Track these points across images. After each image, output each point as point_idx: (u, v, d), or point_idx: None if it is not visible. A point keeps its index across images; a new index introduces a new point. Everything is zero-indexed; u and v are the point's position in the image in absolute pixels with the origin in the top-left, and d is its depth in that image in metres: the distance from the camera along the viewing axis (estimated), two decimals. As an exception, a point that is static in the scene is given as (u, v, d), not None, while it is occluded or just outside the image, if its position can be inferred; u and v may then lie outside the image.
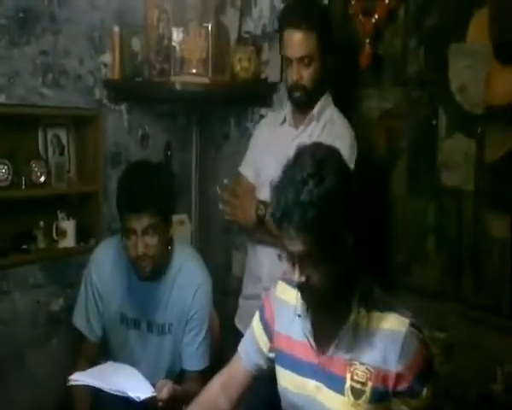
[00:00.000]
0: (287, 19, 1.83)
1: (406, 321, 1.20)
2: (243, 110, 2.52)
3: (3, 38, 2.14)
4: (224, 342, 2.27)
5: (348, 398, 1.21)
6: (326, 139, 1.78)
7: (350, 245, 1.18)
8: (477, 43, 1.79)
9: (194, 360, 1.91)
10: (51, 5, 2.25)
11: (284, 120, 1.93)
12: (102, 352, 1.96)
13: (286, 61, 1.85)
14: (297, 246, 1.14)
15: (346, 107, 1.97)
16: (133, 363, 1.81)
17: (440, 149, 1.89)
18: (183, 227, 2.64)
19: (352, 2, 2.01)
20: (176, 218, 2.60)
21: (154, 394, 1.64)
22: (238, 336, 1.57)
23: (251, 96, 2.45)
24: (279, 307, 1.36)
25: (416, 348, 1.18)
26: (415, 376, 1.17)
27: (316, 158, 1.16)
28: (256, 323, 1.42)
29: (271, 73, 2.36)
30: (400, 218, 1.99)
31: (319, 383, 1.25)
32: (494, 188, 1.79)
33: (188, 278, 1.88)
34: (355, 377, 1.20)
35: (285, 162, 1.21)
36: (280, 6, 2.31)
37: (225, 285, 2.63)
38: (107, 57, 2.40)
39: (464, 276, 1.88)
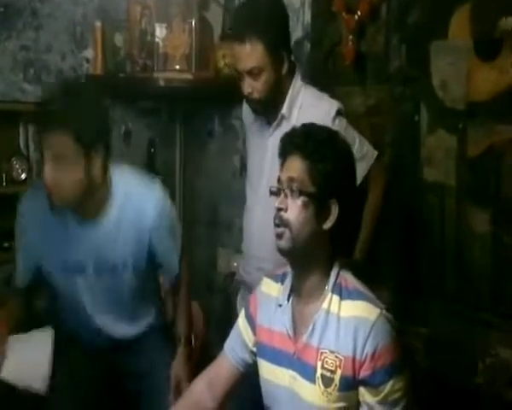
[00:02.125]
0: (232, 31, 1.74)
1: (377, 310, 1.22)
2: (227, 107, 2.53)
3: (-17, 33, 2.13)
4: (209, 340, 2.28)
5: (319, 386, 1.23)
6: None
7: (331, 213, 1.25)
8: (458, 41, 1.81)
9: (169, 270, 1.82)
10: (32, 0, 2.24)
11: (256, 118, 1.84)
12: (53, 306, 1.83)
13: (236, 72, 1.73)
14: (289, 171, 1.27)
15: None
16: (86, 313, 1.71)
17: (423, 145, 1.92)
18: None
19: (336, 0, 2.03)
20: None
21: None
22: None
23: (235, 93, 2.45)
24: (262, 300, 1.40)
25: (382, 337, 1.20)
26: (379, 364, 1.19)
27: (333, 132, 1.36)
28: (241, 319, 1.45)
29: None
30: (384, 213, 2.01)
31: (294, 373, 1.28)
32: (475, 183, 1.82)
33: (136, 208, 1.66)
34: (325, 366, 1.22)
35: None
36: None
37: (211, 282, 2.64)
38: (89, 53, 2.40)
39: (446, 271, 1.91)
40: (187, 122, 2.72)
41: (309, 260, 1.28)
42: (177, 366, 1.75)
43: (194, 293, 2.31)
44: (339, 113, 1.71)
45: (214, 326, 2.46)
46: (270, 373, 1.34)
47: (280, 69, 1.68)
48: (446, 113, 1.85)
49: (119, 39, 2.38)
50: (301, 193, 1.23)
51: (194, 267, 2.68)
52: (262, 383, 1.38)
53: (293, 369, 1.29)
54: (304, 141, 1.26)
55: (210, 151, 2.64)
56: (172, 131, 2.73)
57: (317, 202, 1.24)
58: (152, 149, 2.64)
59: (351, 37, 1.99)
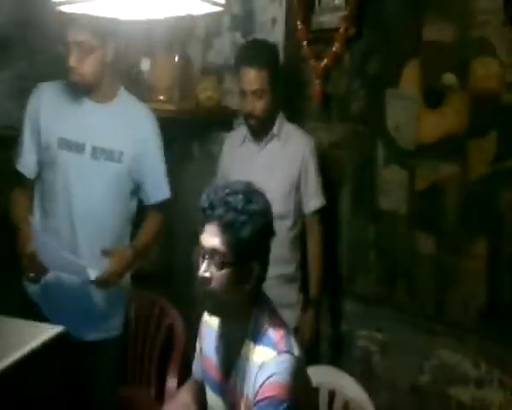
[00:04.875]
0: (242, 58, 2.11)
1: (273, 353, 1.25)
2: (206, 133, 2.73)
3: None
4: (190, 346, 2.47)
5: None
6: (288, 155, 2.10)
7: (254, 272, 1.28)
8: (409, 89, 2.09)
9: (157, 190, 1.97)
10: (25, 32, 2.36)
11: (244, 140, 2.19)
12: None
13: (241, 93, 2.12)
14: (210, 241, 1.25)
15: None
16: (69, 192, 1.83)
17: (379, 177, 2.19)
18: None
19: (305, 47, 2.28)
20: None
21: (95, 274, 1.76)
22: None
23: (213, 121, 2.68)
24: (206, 330, 1.45)
25: (272, 374, 1.22)
26: (263, 396, 1.22)
27: (250, 188, 1.31)
28: (198, 341, 1.51)
29: (232, 101, 2.61)
30: (346, 235, 2.29)
31: (226, 406, 1.35)
32: (422, 212, 2.11)
33: (134, 109, 1.94)
34: (246, 407, 1.28)
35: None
36: (240, 40, 2.56)
37: (191, 293, 2.84)
38: None
39: (398, 285, 2.20)
40: (167, 147, 2.91)
41: (232, 314, 1.32)
42: (117, 248, 1.85)
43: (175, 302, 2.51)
44: (314, 147, 2.13)
45: (193, 335, 2.64)
46: (211, 399, 1.40)
47: (275, 95, 2.08)
48: (399, 151, 2.13)
49: None
50: (224, 265, 1.25)
51: (175, 280, 2.90)
52: (208, 407, 1.43)
53: (226, 404, 1.34)
54: (223, 211, 1.24)
55: (189, 174, 2.84)
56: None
57: (240, 267, 1.26)
58: None
59: (318, 81, 2.26)
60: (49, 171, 1.87)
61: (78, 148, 1.84)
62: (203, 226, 1.28)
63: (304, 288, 2.21)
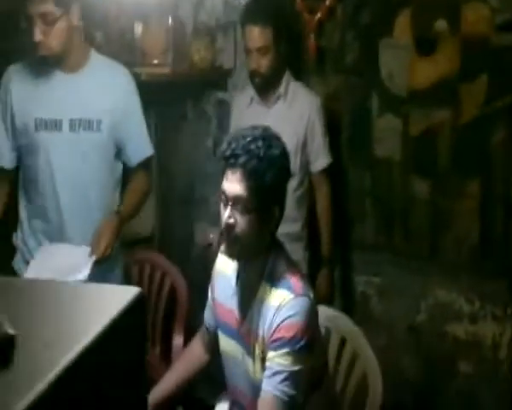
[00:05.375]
0: (246, 15, 2.12)
1: (290, 296, 1.30)
2: (200, 93, 2.75)
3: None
4: (192, 305, 2.53)
5: (257, 363, 1.36)
6: (294, 114, 2.12)
7: (275, 216, 1.34)
8: (401, 38, 2.16)
9: (139, 150, 1.93)
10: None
11: (251, 102, 2.21)
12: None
13: (246, 51, 2.13)
14: (234, 188, 1.29)
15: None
16: (51, 171, 1.79)
17: (374, 127, 2.26)
18: (147, 202, 2.85)
19: (298, 1, 2.32)
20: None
21: (93, 258, 1.71)
22: None
23: (207, 81, 2.71)
24: (218, 278, 1.50)
25: (288, 316, 1.28)
26: (279, 335, 1.28)
27: (268, 133, 1.35)
28: (209, 289, 1.56)
29: (225, 60, 2.63)
30: (343, 184, 2.35)
31: (242, 349, 1.40)
32: (417, 157, 2.19)
33: (108, 71, 1.87)
34: (261, 348, 1.34)
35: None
36: (231, -1, 2.59)
37: (189, 253, 2.90)
38: None
39: (394, 230, 2.28)
40: (162, 107, 2.93)
41: (253, 256, 1.36)
42: (102, 225, 1.78)
43: (173, 264, 2.55)
44: (321, 106, 2.14)
45: (193, 294, 2.69)
46: (224, 344, 1.45)
47: (280, 52, 2.10)
48: (392, 99, 2.19)
49: (99, 37, 2.49)
50: (248, 210, 1.29)
51: (172, 242, 2.94)
52: (221, 355, 1.48)
53: (241, 346, 1.40)
54: (245, 159, 1.27)
55: (184, 134, 2.87)
56: (148, 116, 2.92)
57: (262, 212, 1.31)
58: None
59: (312, 35, 2.30)
60: (29, 155, 1.83)
61: (55, 125, 1.79)
62: (225, 174, 1.31)
63: (310, 246, 2.24)
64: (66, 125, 1.79)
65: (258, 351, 1.34)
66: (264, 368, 1.32)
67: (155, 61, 2.54)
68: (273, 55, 2.09)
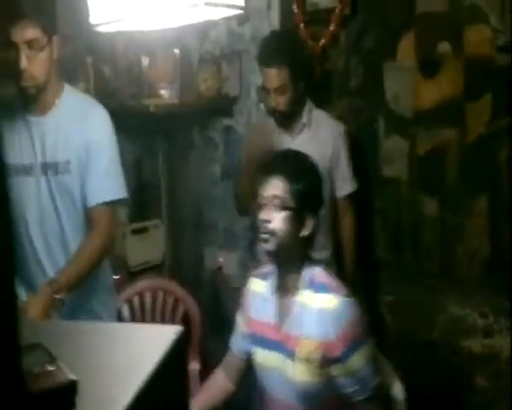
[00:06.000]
0: (262, 57, 2.11)
1: (338, 299, 1.43)
2: (207, 121, 2.80)
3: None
4: (204, 330, 2.55)
5: (300, 366, 1.45)
6: (319, 142, 2.14)
7: (307, 224, 1.49)
8: (405, 61, 2.21)
9: (100, 191, 1.75)
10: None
11: (275, 131, 2.18)
12: None
13: (264, 89, 2.14)
14: (271, 189, 1.49)
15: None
16: (24, 216, 1.74)
17: (381, 148, 2.30)
18: (157, 230, 2.88)
19: (302, 29, 2.38)
20: (150, 223, 2.88)
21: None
22: None
23: (214, 109, 2.76)
24: (252, 297, 1.62)
25: (344, 321, 1.42)
26: (342, 345, 1.41)
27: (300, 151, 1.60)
28: (239, 316, 1.66)
29: (231, 88, 2.69)
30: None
31: (282, 356, 1.49)
32: (424, 176, 2.23)
33: (79, 108, 1.78)
34: (304, 349, 1.45)
35: None
36: (236, 28, 2.64)
37: (200, 278, 2.92)
38: (81, 85, 2.46)
39: (404, 248, 2.32)
40: (169, 136, 2.97)
41: (289, 260, 1.50)
42: (35, 303, 1.60)
43: (185, 290, 2.57)
44: (344, 132, 2.17)
45: (206, 318, 2.72)
46: (262, 358, 1.55)
47: (298, 88, 2.10)
48: (398, 121, 2.25)
49: (107, 71, 2.55)
50: (284, 208, 1.47)
51: (183, 268, 2.97)
52: (256, 368, 1.58)
53: (281, 352, 1.49)
54: (285, 165, 1.50)
55: (191, 161, 2.91)
56: (156, 145, 2.97)
57: (296, 215, 1.47)
58: (139, 164, 2.85)
59: (316, 60, 2.35)
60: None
61: (26, 170, 1.75)
62: (263, 180, 1.51)
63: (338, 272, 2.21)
64: (37, 169, 1.75)
65: (300, 352, 1.45)
66: (306, 370, 1.44)
67: (163, 92, 2.59)
68: (291, 93, 2.09)
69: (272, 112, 2.15)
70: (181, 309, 2.53)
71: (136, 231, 2.78)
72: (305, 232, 1.49)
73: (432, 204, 2.23)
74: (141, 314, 2.53)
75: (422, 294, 2.27)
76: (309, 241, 1.53)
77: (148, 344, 0.78)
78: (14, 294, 0.49)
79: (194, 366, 2.35)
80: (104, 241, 1.76)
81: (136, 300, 2.53)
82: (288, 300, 1.50)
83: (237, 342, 1.65)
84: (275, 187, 1.48)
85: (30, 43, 1.64)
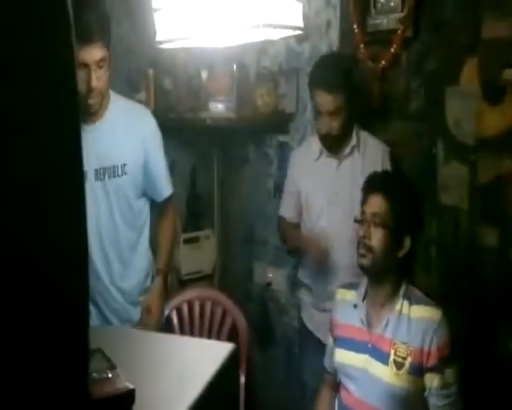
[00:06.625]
0: (315, 81, 2.08)
1: (439, 312, 1.56)
2: (262, 136, 2.82)
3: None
4: (251, 342, 2.55)
5: (391, 368, 1.55)
6: (368, 164, 2.10)
7: (404, 245, 1.58)
8: (468, 86, 2.14)
9: (166, 185, 2.00)
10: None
11: (320, 155, 2.18)
12: None
13: (317, 112, 2.11)
14: (373, 207, 1.59)
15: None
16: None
17: (439, 174, 2.24)
18: (208, 241, 2.92)
19: (361, 50, 2.36)
20: (202, 233, 2.91)
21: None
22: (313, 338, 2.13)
23: (270, 125, 2.77)
24: (339, 305, 1.74)
25: (445, 333, 1.54)
26: (442, 355, 1.52)
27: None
28: (329, 337, 1.81)
29: (288, 105, 2.69)
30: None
31: (369, 357, 1.60)
32: (485, 206, 2.15)
33: (128, 110, 1.90)
34: (397, 353, 1.55)
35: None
36: (294, 45, 2.65)
37: (248, 292, 2.92)
38: (142, 95, 2.60)
39: (461, 280, 2.23)
40: (224, 150, 3.01)
41: (384, 276, 1.61)
42: (150, 296, 1.91)
43: (234, 302, 2.58)
44: (388, 153, 2.15)
45: (253, 332, 2.73)
46: (346, 358, 1.65)
47: (350, 110, 2.08)
48: (459, 147, 2.17)
49: (168, 83, 2.62)
50: (383, 226, 1.56)
51: (232, 280, 2.98)
52: (338, 367, 1.69)
53: (368, 353, 1.60)
54: (388, 184, 1.61)
55: (245, 175, 2.92)
56: (211, 158, 3.01)
57: (394, 235, 1.57)
58: (193, 175, 2.90)
59: (376, 82, 2.33)
60: None
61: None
62: (365, 197, 1.63)
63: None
64: (91, 175, 1.81)
65: (393, 355, 1.54)
66: (396, 374, 1.54)
67: (220, 106, 2.62)
68: (344, 116, 2.07)
69: (324, 137, 2.11)
70: (229, 321, 2.55)
71: (188, 241, 2.83)
72: (401, 253, 1.57)
73: (492, 235, 2.14)
74: (189, 322, 2.56)
75: (478, 328, 2.18)
76: (406, 262, 1.60)
77: (203, 358, 0.78)
78: (87, 296, 0.50)
79: (241, 379, 2.35)
80: (176, 228, 2.09)
81: (185, 308, 2.57)
82: (381, 308, 1.60)
83: (331, 361, 1.75)
84: (376, 204, 1.57)
85: (98, 63, 1.72)
